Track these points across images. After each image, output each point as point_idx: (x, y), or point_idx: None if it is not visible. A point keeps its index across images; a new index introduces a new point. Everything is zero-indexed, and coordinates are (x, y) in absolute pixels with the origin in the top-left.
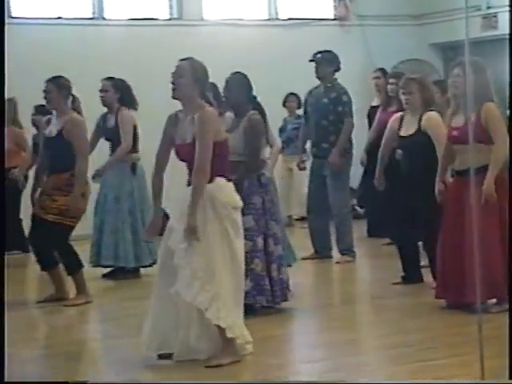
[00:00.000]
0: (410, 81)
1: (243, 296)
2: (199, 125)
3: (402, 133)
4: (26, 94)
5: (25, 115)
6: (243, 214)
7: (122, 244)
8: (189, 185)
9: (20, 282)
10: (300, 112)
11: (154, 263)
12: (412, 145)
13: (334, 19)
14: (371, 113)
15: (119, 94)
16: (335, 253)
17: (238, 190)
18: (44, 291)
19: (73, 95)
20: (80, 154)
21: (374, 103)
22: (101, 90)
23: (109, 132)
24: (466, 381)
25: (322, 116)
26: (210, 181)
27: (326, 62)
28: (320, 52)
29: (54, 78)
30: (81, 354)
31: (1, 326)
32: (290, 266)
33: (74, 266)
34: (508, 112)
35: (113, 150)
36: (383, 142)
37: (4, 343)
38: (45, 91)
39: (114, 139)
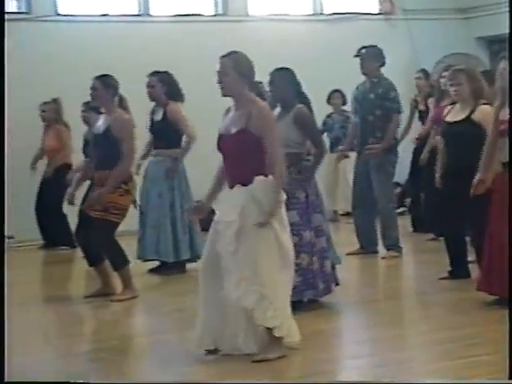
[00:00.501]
0: (457, 72)
1: (290, 292)
2: (262, 119)
3: (449, 118)
4: (72, 91)
5: (73, 113)
6: (287, 209)
7: (163, 239)
8: (231, 187)
9: (67, 277)
10: (344, 108)
11: (193, 258)
12: (458, 132)
13: (379, 14)
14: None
15: (166, 87)
16: (381, 248)
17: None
18: (91, 286)
19: (120, 95)
20: (125, 153)
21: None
22: (147, 86)
23: (155, 125)
24: (467, 381)
25: (369, 111)
26: (251, 180)
27: (371, 57)
28: (365, 47)
29: (101, 76)
30: (127, 349)
31: (1, 326)
32: (333, 267)
33: (120, 262)
34: None
35: (156, 143)
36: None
37: (4, 343)
38: (91, 88)
39: (159, 133)
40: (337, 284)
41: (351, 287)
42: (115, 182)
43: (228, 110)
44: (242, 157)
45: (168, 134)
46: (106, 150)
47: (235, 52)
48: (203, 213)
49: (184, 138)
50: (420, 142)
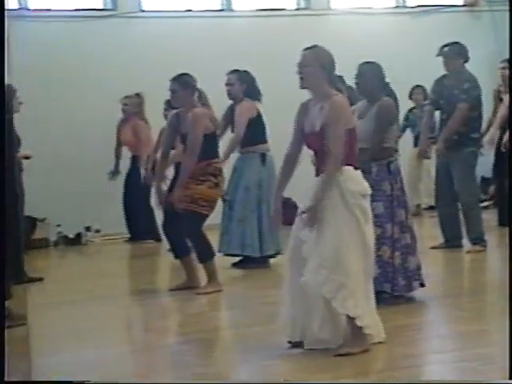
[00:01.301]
0: None
1: (372, 284)
2: (331, 113)
3: None
4: (154, 87)
5: (155, 109)
6: (373, 200)
7: (249, 233)
8: (317, 175)
9: (152, 270)
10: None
11: (278, 253)
12: None
13: (463, 5)
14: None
15: (245, 86)
16: (466, 242)
17: (367, 176)
18: (176, 280)
19: (199, 90)
20: (188, 149)
21: (502, 94)
22: (227, 84)
23: (233, 124)
24: (467, 381)
25: (453, 107)
26: (338, 170)
27: (454, 55)
28: (447, 45)
29: (178, 76)
30: (213, 342)
31: (1, 326)
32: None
33: (207, 255)
34: None
35: (243, 139)
36: None
37: (4, 343)
38: (170, 90)
39: (245, 130)
40: (421, 285)
41: (435, 281)
42: (183, 178)
43: (303, 105)
44: (330, 150)
45: (253, 131)
46: None
47: (317, 46)
48: (280, 212)
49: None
50: (503, 132)
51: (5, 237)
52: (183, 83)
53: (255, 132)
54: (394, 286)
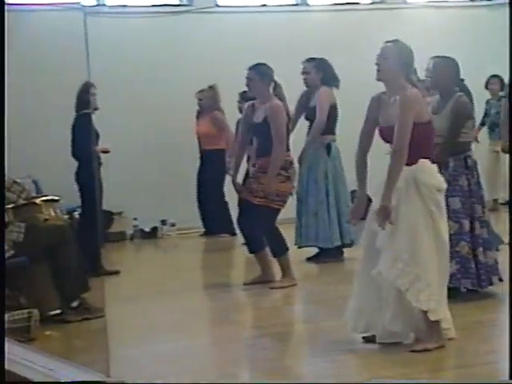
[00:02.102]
0: None
1: (447, 279)
2: (400, 106)
3: None
4: (231, 82)
5: (229, 102)
6: (450, 195)
7: (322, 225)
8: None
9: (227, 264)
10: (502, 94)
11: (350, 244)
12: None
13: None
14: None
15: (321, 74)
16: None
17: (443, 171)
18: (251, 274)
19: (275, 82)
20: (276, 140)
21: None
22: (303, 72)
23: (311, 111)
24: (467, 381)
25: None
26: (414, 162)
27: None
28: None
29: (256, 65)
30: (288, 336)
31: (1, 326)
32: (497, 250)
33: (281, 249)
34: None
35: (310, 126)
36: None
37: (4, 343)
38: (247, 78)
39: (314, 119)
40: (500, 279)
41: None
42: (274, 169)
43: (375, 99)
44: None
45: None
46: (266, 137)
47: (398, 40)
48: (361, 208)
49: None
50: None
51: (4, 237)
52: (260, 72)
53: (327, 122)
54: (477, 282)
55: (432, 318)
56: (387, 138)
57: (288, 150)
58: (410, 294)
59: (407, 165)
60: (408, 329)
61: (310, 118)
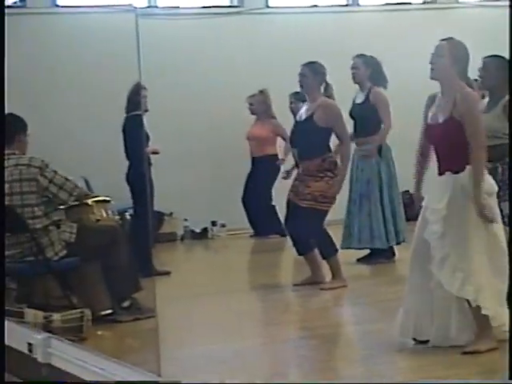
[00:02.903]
0: None
1: (507, 281)
2: (466, 104)
3: None
4: (280, 82)
5: (284, 105)
6: (501, 200)
7: (376, 226)
8: (440, 174)
9: (276, 265)
10: None
11: (401, 242)
12: None
13: None
14: None
15: (370, 70)
16: None
17: (494, 174)
18: (300, 275)
19: (326, 82)
20: (341, 136)
21: None
22: (352, 67)
23: (356, 108)
24: (466, 381)
25: None
26: (463, 168)
27: None
28: None
29: (310, 62)
30: (337, 337)
31: (1, 326)
32: None
33: (329, 251)
34: None
35: (356, 128)
36: None
37: (4, 343)
38: (300, 74)
39: (359, 116)
40: None
41: None
42: (345, 167)
43: (431, 98)
44: (452, 145)
45: (369, 118)
46: (312, 137)
47: (453, 38)
48: (419, 203)
49: (382, 125)
50: None
51: (4, 237)
52: (314, 69)
53: (370, 120)
54: None
55: (494, 324)
56: (431, 136)
57: (330, 151)
58: (479, 302)
59: (456, 172)
60: (471, 335)
61: (354, 116)
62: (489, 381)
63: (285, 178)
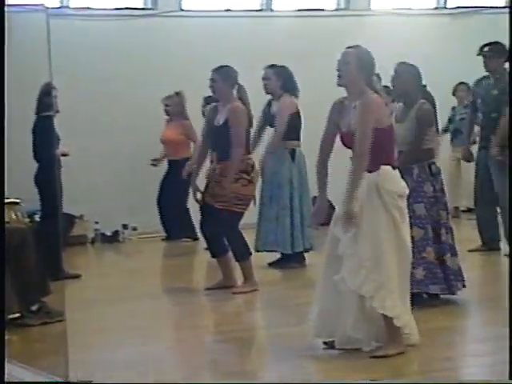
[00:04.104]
0: None
1: (409, 285)
2: (359, 111)
3: None
4: (196, 85)
5: (194, 107)
6: (414, 201)
7: (281, 230)
8: None
9: (189, 269)
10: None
11: (309, 249)
12: None
13: (504, 7)
14: None
15: (281, 81)
16: (504, 245)
17: (407, 178)
18: (212, 279)
19: (238, 84)
20: (235, 142)
21: None
22: (263, 78)
23: (272, 119)
24: (467, 381)
25: (492, 108)
26: (375, 169)
27: (494, 54)
28: (487, 44)
29: (220, 67)
30: (249, 341)
31: (1, 326)
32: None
33: (243, 254)
34: None
35: (275, 133)
36: None
37: (4, 343)
38: (211, 80)
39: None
40: (463, 286)
41: (473, 284)
42: (234, 171)
43: (337, 103)
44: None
45: (288, 127)
46: (226, 141)
47: (359, 46)
48: (322, 212)
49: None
50: None
51: (4, 237)
52: (224, 74)
53: (290, 129)
54: (448, 287)
55: (397, 323)
56: (348, 143)
57: (249, 153)
58: (375, 301)
59: (369, 171)
60: (369, 335)
61: (272, 125)
62: (489, 381)
63: (153, 165)
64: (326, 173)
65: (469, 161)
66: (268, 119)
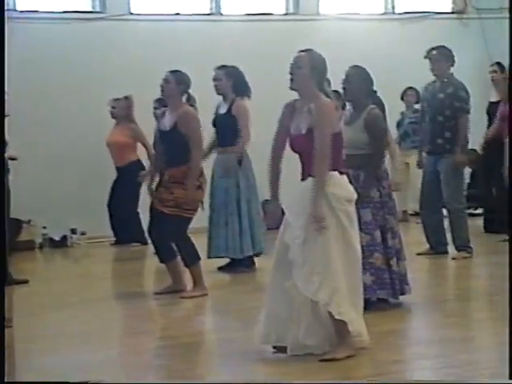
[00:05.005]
0: None
1: (362, 289)
2: (318, 115)
3: None
4: (142, 89)
5: (144, 111)
6: (361, 207)
7: (231, 235)
8: (303, 179)
9: (138, 273)
10: (418, 106)
11: (259, 253)
12: None
13: (451, 12)
14: (491, 108)
15: (232, 81)
16: (451, 249)
17: (354, 183)
18: (161, 283)
19: (189, 94)
20: (194, 146)
21: (493, 99)
22: (214, 79)
23: (219, 118)
24: (467, 381)
25: (438, 111)
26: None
27: (441, 58)
28: (434, 48)
29: (175, 70)
30: (198, 346)
31: (1, 326)
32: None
33: (192, 259)
34: None
35: (219, 138)
36: None
37: (4, 343)
38: (164, 80)
39: (222, 127)
40: (409, 290)
41: (421, 287)
42: (195, 176)
43: (287, 106)
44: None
45: (231, 129)
46: (176, 145)
47: (312, 49)
48: (276, 214)
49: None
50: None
51: (5, 237)
52: (178, 77)
53: (233, 131)
54: (393, 292)
55: (351, 328)
56: (296, 147)
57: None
58: (331, 307)
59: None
60: (322, 342)
61: (217, 126)
62: (489, 381)
63: (141, 180)
64: (278, 176)
65: (422, 167)
66: (214, 119)
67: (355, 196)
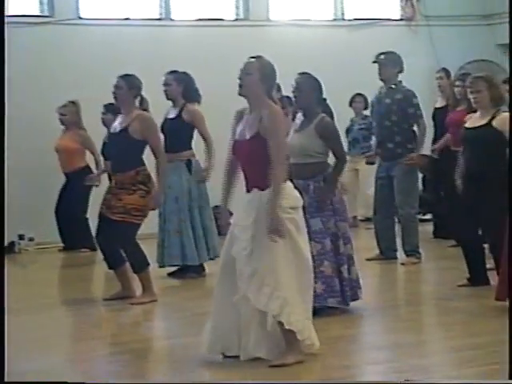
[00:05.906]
0: (477, 79)
1: (312, 295)
2: (271, 123)
3: (468, 124)
4: (91, 94)
5: (93, 116)
6: (310, 217)
7: (187, 243)
8: (248, 191)
9: (87, 279)
10: (367, 112)
11: (213, 258)
12: (476, 137)
13: (400, 19)
14: (436, 114)
15: (182, 87)
16: (401, 254)
17: (304, 194)
18: (111, 289)
19: (142, 96)
20: (157, 149)
21: (438, 104)
22: (164, 84)
23: (168, 123)
24: (467, 381)
25: (384, 117)
26: (269, 185)
27: (389, 63)
28: (383, 53)
29: (126, 75)
30: (146, 352)
31: (1, 326)
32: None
33: (141, 265)
34: None
35: (167, 143)
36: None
37: (4, 343)
38: (115, 86)
39: (170, 132)
40: (360, 295)
41: (371, 293)
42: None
43: (239, 113)
44: (258, 162)
45: (179, 135)
46: (124, 150)
47: (261, 56)
48: (226, 218)
49: (204, 142)
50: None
51: (4, 237)
52: (129, 81)
53: (182, 136)
54: (342, 299)
55: (300, 337)
56: (237, 151)
57: (143, 164)
58: (282, 317)
59: (262, 189)
60: (272, 351)
61: (165, 131)
62: (489, 381)
63: (91, 184)
64: (231, 186)
65: (371, 163)
66: (163, 124)
67: (300, 202)
